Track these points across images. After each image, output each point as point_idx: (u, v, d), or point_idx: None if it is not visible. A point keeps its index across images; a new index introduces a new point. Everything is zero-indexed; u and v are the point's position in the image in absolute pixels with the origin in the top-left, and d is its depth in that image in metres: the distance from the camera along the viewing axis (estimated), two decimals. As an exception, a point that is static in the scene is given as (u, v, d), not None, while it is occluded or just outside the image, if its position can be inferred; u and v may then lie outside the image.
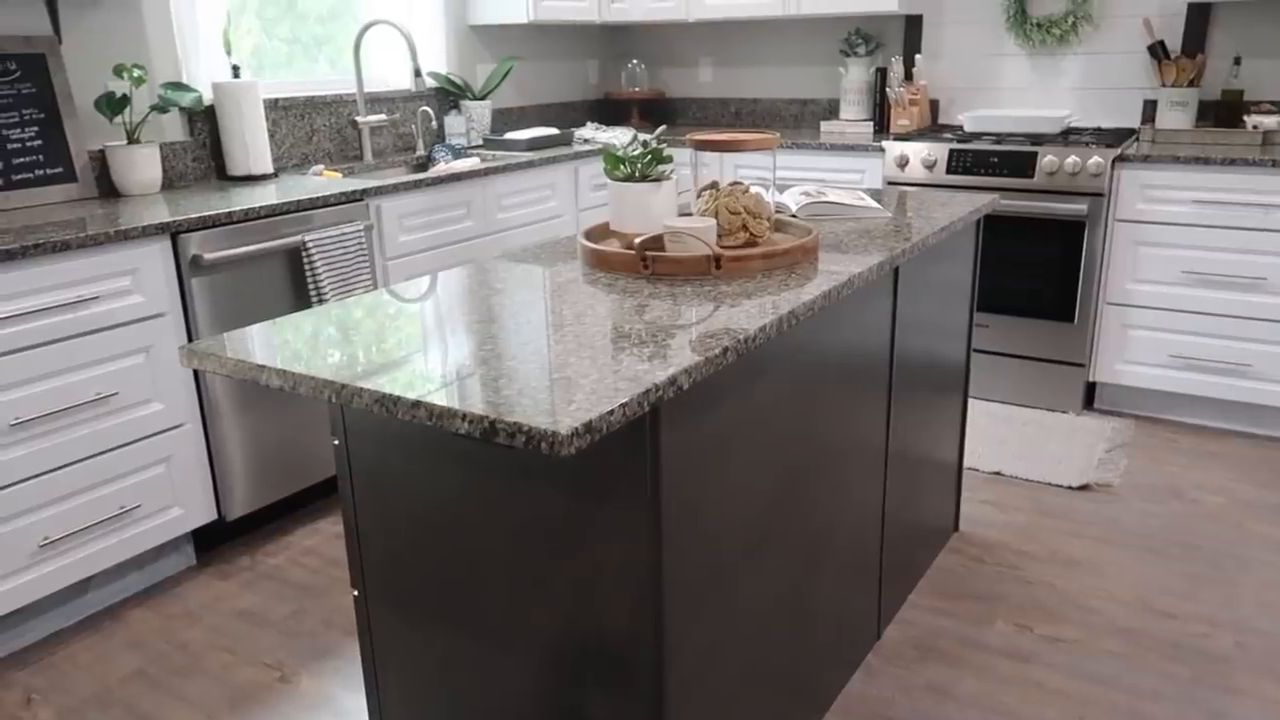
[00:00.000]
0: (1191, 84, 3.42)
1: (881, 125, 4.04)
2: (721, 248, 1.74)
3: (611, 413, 1.08)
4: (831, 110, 4.29)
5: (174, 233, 2.37)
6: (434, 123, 3.76)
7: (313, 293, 2.65)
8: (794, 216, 2.16)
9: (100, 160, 2.79)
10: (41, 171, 2.65)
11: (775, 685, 1.73)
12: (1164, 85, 3.46)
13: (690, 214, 1.90)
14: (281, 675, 2.13)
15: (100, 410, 2.27)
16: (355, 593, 1.69)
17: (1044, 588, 2.37)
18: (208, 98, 3.04)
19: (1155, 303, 3.24)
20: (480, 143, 3.84)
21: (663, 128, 2.16)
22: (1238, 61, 3.38)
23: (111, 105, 2.71)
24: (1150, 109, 3.62)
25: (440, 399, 1.13)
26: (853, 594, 2.02)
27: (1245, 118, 3.30)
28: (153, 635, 2.29)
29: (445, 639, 1.58)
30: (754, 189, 1.87)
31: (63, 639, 2.29)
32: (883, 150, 3.57)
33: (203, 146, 3.05)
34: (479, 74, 4.03)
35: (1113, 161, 3.18)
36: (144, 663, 2.18)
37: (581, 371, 1.21)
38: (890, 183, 3.57)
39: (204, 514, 2.53)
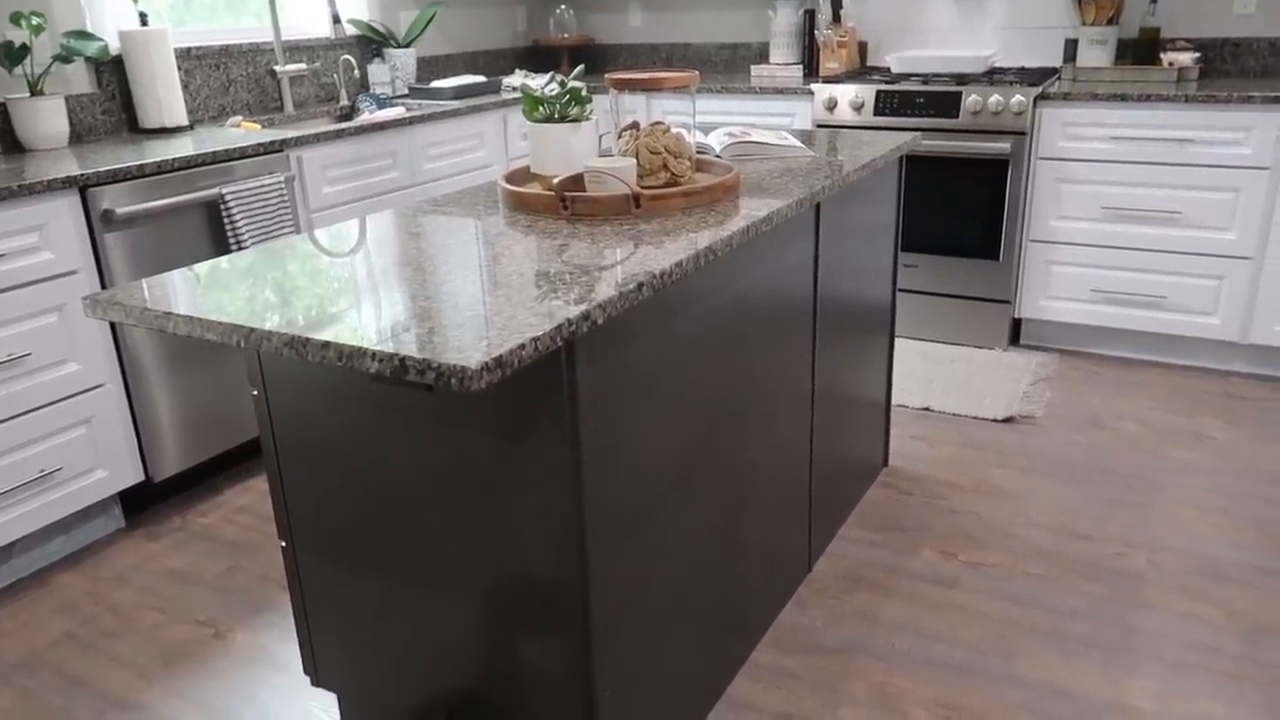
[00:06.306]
0: (1110, 22, 3.47)
1: (811, 68, 4.04)
2: (642, 188, 1.73)
3: (523, 347, 1.08)
4: (762, 54, 4.27)
5: (83, 187, 2.29)
6: (356, 72, 3.67)
7: (234, 246, 2.59)
8: (718, 157, 2.16)
9: (2, 113, 2.68)
10: (-61, 126, 2.53)
11: (706, 619, 1.77)
12: (1084, 24, 3.50)
13: (612, 155, 1.89)
14: (215, 632, 2.12)
15: (13, 372, 2.20)
16: (283, 544, 1.68)
17: (969, 517, 2.45)
18: (115, 47, 2.92)
19: (1076, 239, 3.31)
20: (406, 92, 3.75)
21: (580, 68, 2.13)
22: (1154, -1, 3.44)
23: (10, 55, 2.59)
24: (1071, 48, 3.66)
25: (350, 339, 1.12)
26: (783, 528, 2.06)
27: (1161, 55, 3.37)
28: (81, 598, 2.25)
29: (376, 586, 1.58)
30: (675, 129, 1.86)
31: (-13, 606, 2.25)
32: (811, 93, 3.57)
33: (112, 99, 2.93)
34: (402, 21, 3.93)
35: (1034, 100, 3.23)
36: (73, 626, 2.15)
37: (496, 309, 1.20)
38: (820, 125, 3.57)
39: (130, 475, 2.48)
